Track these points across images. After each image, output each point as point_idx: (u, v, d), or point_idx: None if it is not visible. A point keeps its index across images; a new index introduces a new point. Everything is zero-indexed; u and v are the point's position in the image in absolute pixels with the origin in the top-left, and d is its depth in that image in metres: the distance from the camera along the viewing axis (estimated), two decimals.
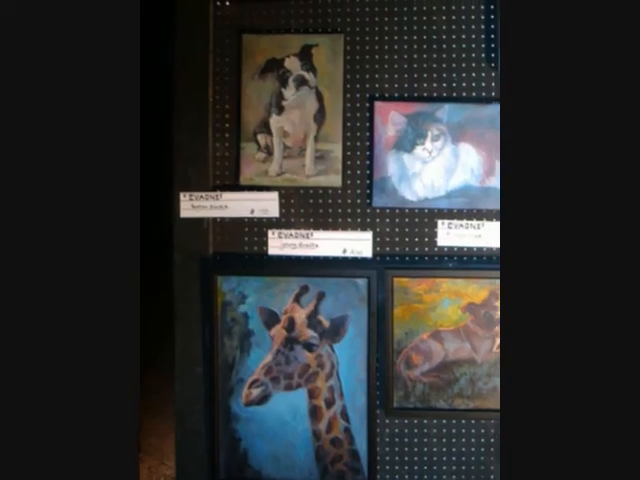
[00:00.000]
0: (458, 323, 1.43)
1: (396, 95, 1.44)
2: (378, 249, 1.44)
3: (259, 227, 1.46)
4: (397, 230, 1.44)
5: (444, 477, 1.46)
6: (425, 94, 1.44)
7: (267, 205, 1.44)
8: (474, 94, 1.43)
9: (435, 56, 1.43)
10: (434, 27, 1.43)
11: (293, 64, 1.43)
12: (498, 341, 1.43)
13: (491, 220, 1.43)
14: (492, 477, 1.45)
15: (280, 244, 1.45)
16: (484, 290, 1.43)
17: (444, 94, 1.43)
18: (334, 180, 1.43)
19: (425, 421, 1.46)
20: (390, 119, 1.42)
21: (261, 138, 1.44)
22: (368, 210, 1.44)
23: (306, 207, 1.45)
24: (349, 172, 1.44)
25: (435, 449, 1.46)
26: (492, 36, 1.42)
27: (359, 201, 1.44)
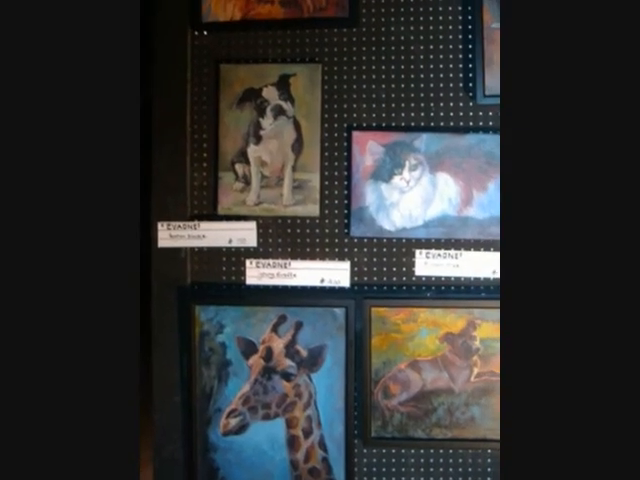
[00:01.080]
0: (436, 353, 1.43)
1: (374, 125, 1.44)
2: (356, 279, 1.44)
3: (237, 257, 1.46)
4: (375, 260, 1.44)
5: None
6: (403, 124, 1.44)
7: (245, 235, 1.44)
8: (452, 124, 1.43)
9: (413, 85, 1.43)
10: (412, 57, 1.43)
11: (271, 94, 1.43)
12: (476, 371, 1.43)
13: (469, 250, 1.43)
14: None
15: (258, 274, 1.45)
16: (462, 320, 1.43)
17: (422, 124, 1.43)
18: (312, 210, 1.43)
19: (403, 451, 1.46)
20: (368, 149, 1.42)
21: (239, 168, 1.44)
22: (346, 240, 1.44)
23: (284, 237, 1.45)
24: (327, 202, 1.44)
25: (413, 479, 1.45)
26: (470, 65, 1.42)
27: (337, 231, 1.44)
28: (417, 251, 1.43)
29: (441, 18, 1.43)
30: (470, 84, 1.42)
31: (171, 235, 1.43)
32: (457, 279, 1.44)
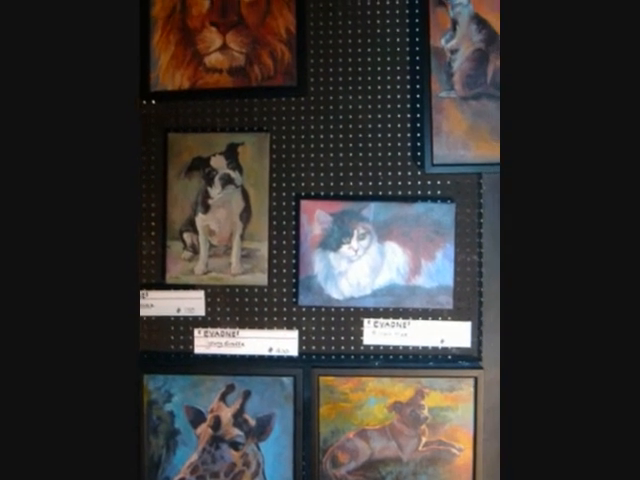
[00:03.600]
0: (384, 422, 1.43)
1: (322, 193, 1.44)
2: (304, 347, 1.44)
3: (185, 325, 1.45)
4: (323, 329, 1.44)
5: None
6: (351, 193, 1.44)
7: (193, 304, 1.44)
8: (400, 193, 1.43)
9: (361, 154, 1.44)
10: (360, 126, 1.44)
11: (219, 162, 1.43)
12: (424, 440, 1.43)
13: (417, 319, 1.43)
14: None
15: (206, 343, 1.45)
16: (410, 389, 1.43)
17: (370, 193, 1.44)
18: (260, 279, 1.43)
19: None
20: (316, 218, 1.42)
21: (187, 237, 1.44)
22: (294, 309, 1.44)
23: (232, 306, 1.45)
24: (275, 271, 1.44)
25: None
26: (418, 134, 1.43)
27: (285, 300, 1.44)
28: (365, 320, 1.43)
29: (389, 87, 1.43)
30: (418, 153, 1.43)
31: None
32: (405, 348, 1.44)
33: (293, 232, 1.44)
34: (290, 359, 1.44)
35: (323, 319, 1.44)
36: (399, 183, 1.43)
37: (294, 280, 1.44)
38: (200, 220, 1.44)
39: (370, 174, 1.43)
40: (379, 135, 1.43)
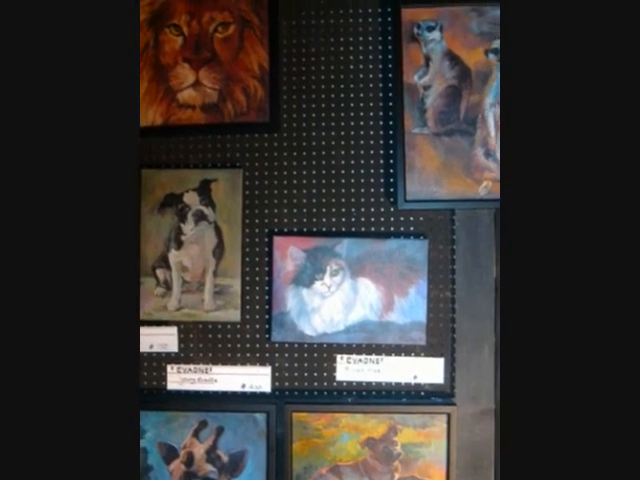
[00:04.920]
0: (357, 458, 1.43)
1: (295, 230, 1.44)
2: (277, 384, 1.44)
3: (158, 362, 1.45)
4: (296, 365, 1.44)
5: None
6: (324, 229, 1.44)
7: (166, 340, 1.44)
8: (373, 229, 1.43)
9: (334, 191, 1.44)
10: (333, 162, 1.44)
11: (192, 199, 1.44)
12: (397, 476, 1.43)
13: (390, 355, 1.43)
14: None
15: (179, 379, 1.45)
16: (383, 425, 1.43)
17: (343, 229, 1.44)
18: (233, 315, 1.43)
19: None
20: (289, 254, 1.42)
21: (160, 273, 1.44)
22: (267, 345, 1.44)
23: (205, 342, 1.45)
24: (248, 307, 1.44)
25: None
26: (391, 170, 1.43)
27: (258, 336, 1.44)
28: (338, 356, 1.43)
29: (362, 123, 1.43)
30: (391, 189, 1.43)
31: None
32: (378, 384, 1.44)
33: (266, 268, 1.44)
34: (263, 395, 1.44)
35: (296, 355, 1.44)
36: (372, 219, 1.43)
37: (267, 316, 1.44)
38: (173, 256, 1.44)
39: (343, 210, 1.44)
40: (352, 171, 1.44)
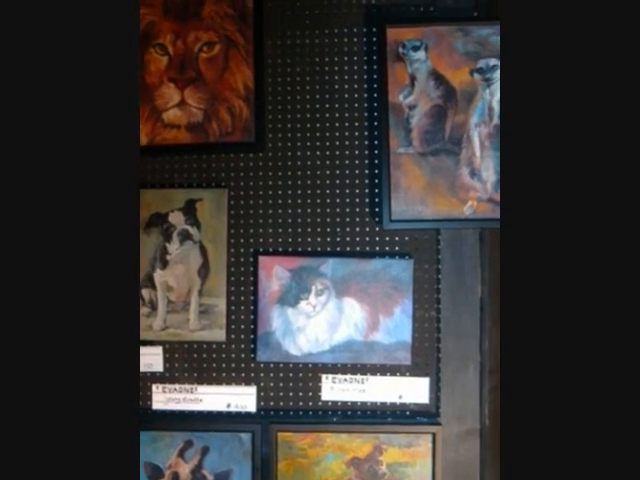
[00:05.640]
0: (342, 478, 1.43)
1: (280, 249, 1.44)
2: (262, 404, 1.44)
3: (143, 381, 1.45)
4: (281, 384, 1.44)
5: None
6: (309, 248, 1.44)
7: (151, 360, 1.44)
8: (358, 248, 1.43)
9: (319, 210, 1.44)
10: (318, 181, 1.44)
11: (177, 218, 1.43)
12: None
13: (375, 375, 1.43)
14: None
15: (164, 398, 1.45)
16: (368, 444, 1.43)
17: (328, 249, 1.44)
18: (218, 335, 1.43)
19: None
20: (274, 273, 1.42)
21: (145, 292, 1.44)
22: (252, 365, 1.44)
23: (190, 362, 1.45)
24: (233, 326, 1.44)
25: None
26: (376, 190, 1.43)
27: (243, 355, 1.44)
28: (323, 376, 1.43)
29: (347, 143, 1.44)
30: (376, 209, 1.43)
31: None
32: (363, 404, 1.44)
33: (251, 288, 1.44)
34: (248, 415, 1.44)
35: (281, 375, 1.44)
36: (357, 239, 1.43)
37: (252, 336, 1.44)
38: (158, 276, 1.44)
39: (328, 230, 1.44)
40: (337, 191, 1.44)
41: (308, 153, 1.44)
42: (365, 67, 1.44)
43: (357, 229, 1.43)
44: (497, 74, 1.40)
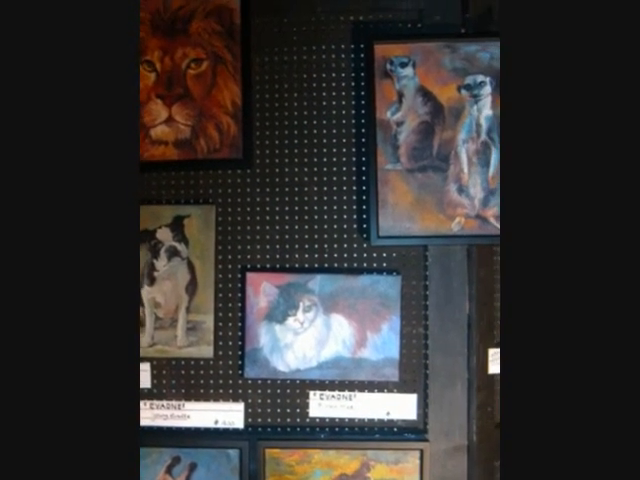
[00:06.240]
0: None
1: (268, 266, 1.44)
2: (250, 420, 1.44)
3: None
4: (269, 401, 1.44)
5: None
6: (297, 265, 1.44)
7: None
8: (346, 265, 1.43)
9: (307, 227, 1.44)
10: (306, 198, 1.44)
11: (165, 235, 1.44)
12: None
13: (363, 391, 1.43)
14: None
15: (152, 415, 1.45)
16: (356, 461, 1.43)
17: (316, 265, 1.44)
18: (206, 351, 1.43)
19: None
20: (262, 290, 1.42)
21: None
22: (240, 381, 1.44)
23: (178, 378, 1.45)
24: (221, 343, 1.44)
25: None
26: (364, 207, 1.43)
27: (231, 372, 1.44)
28: (311, 392, 1.43)
29: (335, 159, 1.44)
30: (364, 225, 1.43)
31: None
32: (351, 420, 1.44)
33: (239, 304, 1.44)
34: (236, 431, 1.44)
35: (269, 391, 1.44)
36: (345, 255, 1.43)
37: (240, 352, 1.44)
38: (146, 292, 1.44)
39: (316, 246, 1.44)
40: (325, 207, 1.44)
41: (296, 169, 1.44)
42: (353, 83, 1.44)
43: (345, 245, 1.43)
44: (485, 90, 1.40)
